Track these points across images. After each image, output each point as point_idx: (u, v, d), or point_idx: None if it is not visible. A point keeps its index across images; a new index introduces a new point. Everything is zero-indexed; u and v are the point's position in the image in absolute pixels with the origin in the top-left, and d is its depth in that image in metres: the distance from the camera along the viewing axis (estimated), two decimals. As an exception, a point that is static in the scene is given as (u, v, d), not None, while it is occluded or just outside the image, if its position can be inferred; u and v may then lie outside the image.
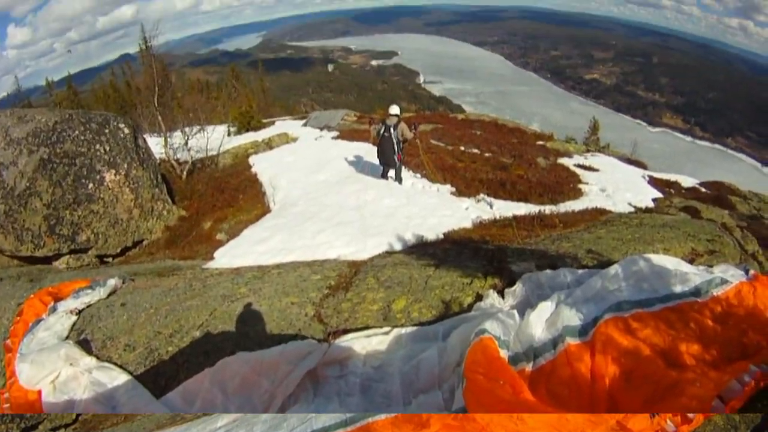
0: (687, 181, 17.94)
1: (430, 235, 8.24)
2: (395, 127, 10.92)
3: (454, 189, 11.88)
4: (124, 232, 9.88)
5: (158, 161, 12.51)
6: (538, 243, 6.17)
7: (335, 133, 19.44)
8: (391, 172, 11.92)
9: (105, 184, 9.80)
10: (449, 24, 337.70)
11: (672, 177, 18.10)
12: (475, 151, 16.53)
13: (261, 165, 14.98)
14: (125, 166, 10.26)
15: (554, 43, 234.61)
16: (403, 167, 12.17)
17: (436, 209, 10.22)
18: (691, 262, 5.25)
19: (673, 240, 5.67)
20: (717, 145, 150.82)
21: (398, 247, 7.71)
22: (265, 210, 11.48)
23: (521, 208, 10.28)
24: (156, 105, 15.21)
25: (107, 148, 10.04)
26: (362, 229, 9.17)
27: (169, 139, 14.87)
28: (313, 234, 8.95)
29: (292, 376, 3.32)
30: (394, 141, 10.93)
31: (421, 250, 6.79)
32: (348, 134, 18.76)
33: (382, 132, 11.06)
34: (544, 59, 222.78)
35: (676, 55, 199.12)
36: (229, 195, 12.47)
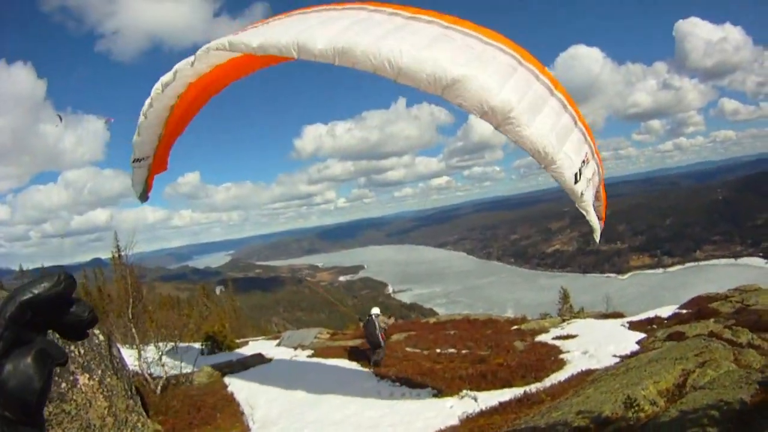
0: (666, 311, 18.19)
1: (418, 439, 8.20)
2: (376, 316, 15.03)
3: (435, 391, 11.91)
4: (97, 438, 9.34)
5: (132, 373, 12.35)
6: (528, 421, 6.32)
7: (310, 351, 19.61)
8: (377, 356, 14.98)
9: (78, 386, 9.53)
10: (410, 231, 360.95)
11: (650, 314, 18.26)
12: (452, 350, 16.73)
13: (237, 385, 14.79)
14: (99, 372, 10.10)
15: (512, 227, 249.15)
16: (384, 355, 15.32)
17: (420, 413, 10.25)
18: (684, 382, 5.49)
19: (662, 371, 5.88)
20: (688, 264, 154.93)
21: (387, 456, 7.63)
22: (244, 429, 11.24)
23: (506, 395, 10.37)
24: (130, 316, 15.28)
25: (81, 351, 9.97)
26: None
27: (142, 353, 14.72)
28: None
29: None
30: (376, 324, 14.79)
31: (411, 454, 6.78)
32: (323, 352, 18.92)
33: (367, 319, 15.17)
34: (505, 245, 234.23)
35: (626, 199, 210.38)
36: (205, 413, 12.11)
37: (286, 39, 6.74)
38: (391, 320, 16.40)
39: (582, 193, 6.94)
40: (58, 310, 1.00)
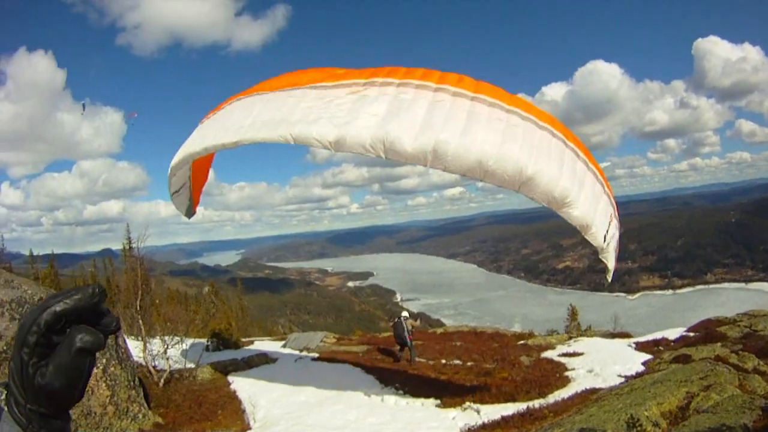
0: (674, 333, 18.07)
1: (419, 449, 8.11)
2: (405, 319, 16.68)
3: (439, 401, 11.81)
4: (96, 425, 9.42)
5: (136, 365, 12.41)
6: (530, 437, 6.22)
7: (315, 355, 19.59)
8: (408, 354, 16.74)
9: (81, 372, 9.63)
10: (421, 240, 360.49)
11: (658, 335, 18.19)
12: (457, 362, 16.62)
13: (240, 383, 14.81)
14: (104, 360, 10.23)
15: (523, 241, 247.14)
16: (415, 354, 16.93)
17: (422, 422, 10.17)
18: (687, 405, 5.42)
19: (666, 392, 5.81)
20: (698, 287, 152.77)
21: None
22: (245, 427, 11.24)
23: (509, 409, 10.28)
24: (137, 308, 15.30)
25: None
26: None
27: (147, 345, 14.76)
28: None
29: None
30: (404, 326, 16.45)
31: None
32: (328, 356, 18.96)
33: (396, 321, 16.88)
34: (516, 259, 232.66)
35: (638, 218, 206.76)
36: (207, 409, 12.12)
37: (370, 135, 7.06)
38: (417, 322, 17.90)
39: (605, 247, 8.47)
40: (89, 320, 1.07)
